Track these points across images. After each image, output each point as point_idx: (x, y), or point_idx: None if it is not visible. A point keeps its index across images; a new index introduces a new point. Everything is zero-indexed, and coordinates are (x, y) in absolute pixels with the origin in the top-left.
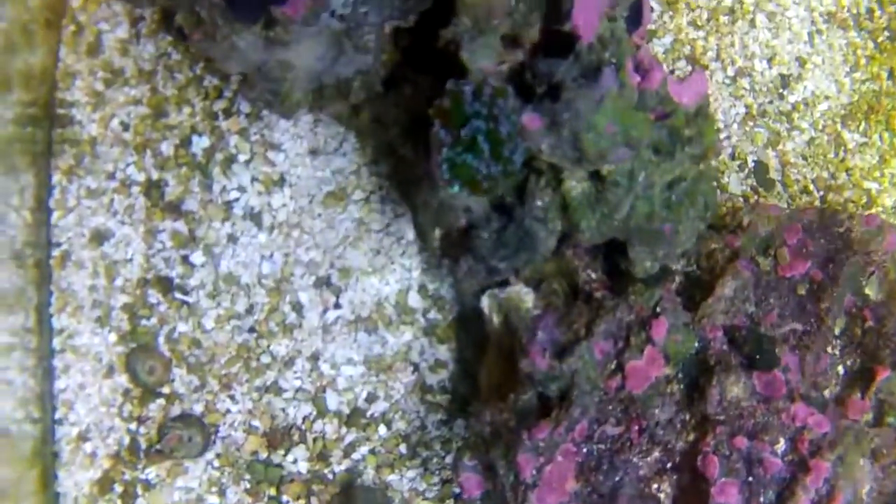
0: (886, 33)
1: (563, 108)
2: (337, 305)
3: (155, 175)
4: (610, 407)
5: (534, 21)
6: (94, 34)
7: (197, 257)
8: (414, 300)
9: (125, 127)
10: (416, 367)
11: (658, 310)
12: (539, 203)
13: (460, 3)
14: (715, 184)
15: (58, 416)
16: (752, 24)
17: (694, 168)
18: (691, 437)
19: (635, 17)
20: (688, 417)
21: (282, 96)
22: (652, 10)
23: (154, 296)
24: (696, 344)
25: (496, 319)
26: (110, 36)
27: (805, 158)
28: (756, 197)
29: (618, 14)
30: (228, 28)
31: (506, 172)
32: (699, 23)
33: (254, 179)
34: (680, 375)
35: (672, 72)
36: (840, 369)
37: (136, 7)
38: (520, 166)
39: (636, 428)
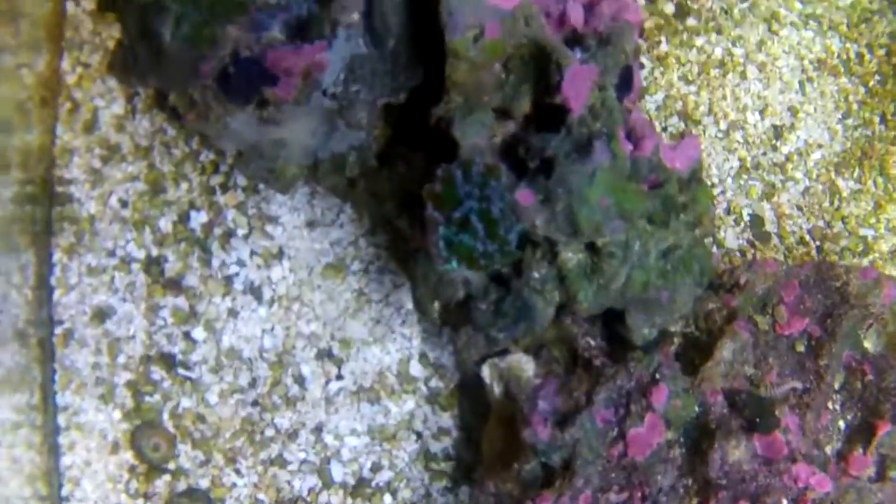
0: (877, 77)
1: (556, 184)
2: (339, 376)
3: (154, 251)
4: (613, 475)
5: (524, 93)
6: (90, 111)
7: (198, 333)
8: (415, 369)
9: (124, 204)
10: (419, 436)
11: (657, 376)
12: (536, 275)
13: (450, 81)
14: (711, 240)
15: (64, 493)
16: (743, 75)
17: (689, 234)
18: (694, 502)
19: (625, 84)
20: (690, 482)
21: (277, 173)
22: (642, 66)
23: (157, 372)
24: (697, 408)
25: (497, 389)
26: (106, 112)
27: (800, 209)
28: (753, 251)
29: (607, 82)
30: (222, 109)
31: (502, 250)
32: (690, 77)
33: (253, 253)
34: (681, 439)
35: (665, 128)
36: (841, 424)
37: (130, 87)
38: (517, 243)
39: (639, 495)
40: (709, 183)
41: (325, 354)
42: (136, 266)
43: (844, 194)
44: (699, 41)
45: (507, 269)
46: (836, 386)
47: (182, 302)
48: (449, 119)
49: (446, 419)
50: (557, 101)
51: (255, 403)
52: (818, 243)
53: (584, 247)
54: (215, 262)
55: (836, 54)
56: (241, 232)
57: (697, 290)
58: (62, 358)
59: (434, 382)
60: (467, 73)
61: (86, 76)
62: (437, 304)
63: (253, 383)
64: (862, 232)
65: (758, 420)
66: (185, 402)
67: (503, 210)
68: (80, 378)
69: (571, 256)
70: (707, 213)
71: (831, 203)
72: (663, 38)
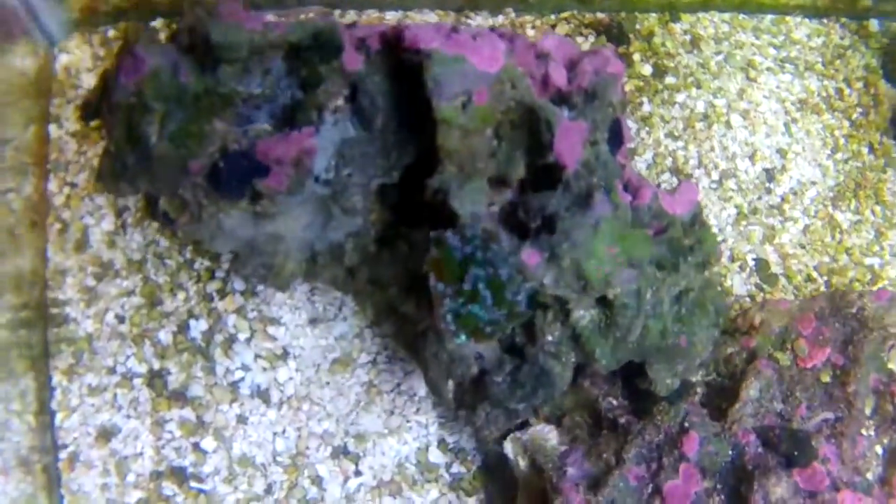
0: (859, 110)
1: (560, 239)
2: (357, 473)
3: (156, 365)
4: None
5: (517, 158)
6: (79, 230)
7: (208, 443)
8: (435, 456)
9: (121, 319)
10: None
11: (686, 424)
12: (550, 338)
13: (443, 150)
14: (721, 288)
15: None
16: (728, 125)
17: (699, 277)
18: None
19: (616, 137)
20: None
21: (275, 269)
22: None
23: (169, 487)
24: (731, 452)
25: (522, 462)
26: (96, 230)
27: (803, 247)
28: (762, 294)
29: (598, 137)
30: (214, 207)
31: (510, 314)
32: (676, 133)
33: (257, 356)
34: (719, 486)
35: (658, 186)
36: (878, 449)
37: (120, 197)
38: (525, 307)
39: None
40: None
41: (340, 452)
42: (138, 381)
43: (844, 227)
44: (680, 97)
45: (520, 337)
46: (868, 412)
47: (188, 413)
48: (445, 190)
49: (472, 503)
50: (551, 159)
51: None
52: (826, 279)
53: (596, 302)
54: (219, 370)
55: (815, 93)
56: (242, 336)
57: (715, 332)
58: (69, 482)
59: (456, 468)
60: (459, 140)
61: (73, 196)
62: (450, 384)
63: (269, 489)
64: (867, 261)
65: (795, 454)
66: None
67: (510, 274)
68: (89, 501)
69: (584, 314)
70: (714, 253)
71: (833, 237)
72: (645, 100)
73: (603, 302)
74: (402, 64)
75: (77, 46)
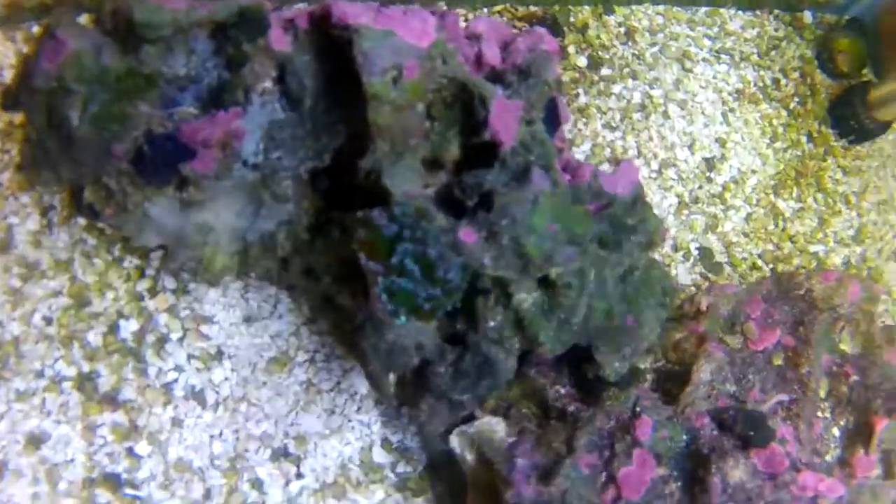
0: (796, 99)
1: (498, 216)
2: (299, 475)
3: (86, 367)
4: None
5: (452, 138)
6: (3, 230)
7: (142, 448)
8: (379, 456)
9: (48, 321)
10: None
11: (638, 409)
12: (492, 324)
13: (374, 126)
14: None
15: None
16: (666, 115)
17: (644, 256)
18: None
19: (552, 116)
20: None
21: (205, 262)
22: None
23: (102, 495)
24: (685, 436)
25: (470, 457)
26: (21, 229)
27: (747, 235)
28: (707, 283)
29: (534, 116)
30: (140, 194)
31: (445, 290)
32: (613, 124)
33: (190, 357)
34: (675, 473)
35: None
36: (835, 431)
37: (42, 186)
38: (460, 282)
39: None
40: None
41: (280, 454)
42: (67, 385)
43: (787, 215)
44: (616, 88)
45: (462, 324)
46: (822, 394)
47: (121, 417)
48: (378, 170)
49: None
50: (487, 137)
51: None
52: (771, 266)
53: (538, 284)
54: (151, 371)
55: (752, 83)
56: (175, 336)
57: (662, 312)
58: None
59: (401, 467)
60: (391, 116)
61: None
62: (391, 378)
63: (208, 494)
64: (812, 249)
65: (751, 434)
66: None
67: (441, 251)
68: None
69: (526, 297)
70: (658, 233)
71: (776, 225)
72: (581, 91)
73: (545, 283)
74: (332, 42)
75: (0, 43)
